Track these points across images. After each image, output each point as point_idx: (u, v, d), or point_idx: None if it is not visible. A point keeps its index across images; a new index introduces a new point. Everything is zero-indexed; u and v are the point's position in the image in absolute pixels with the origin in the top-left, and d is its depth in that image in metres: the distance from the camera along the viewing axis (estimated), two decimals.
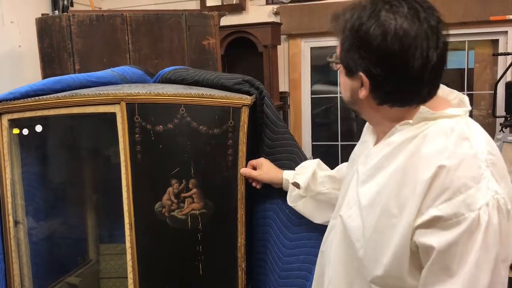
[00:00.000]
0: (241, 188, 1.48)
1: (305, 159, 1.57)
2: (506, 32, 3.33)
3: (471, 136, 0.94)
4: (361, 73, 0.98)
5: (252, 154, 1.58)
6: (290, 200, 1.49)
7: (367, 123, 1.18)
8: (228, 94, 1.51)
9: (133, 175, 1.48)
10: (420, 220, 0.91)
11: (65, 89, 1.63)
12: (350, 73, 1.02)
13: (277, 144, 1.60)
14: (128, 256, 1.51)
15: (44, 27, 2.37)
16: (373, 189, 1.02)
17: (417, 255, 0.95)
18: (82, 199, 2.05)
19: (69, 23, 2.29)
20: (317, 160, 1.50)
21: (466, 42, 3.48)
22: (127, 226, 1.50)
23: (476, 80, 3.59)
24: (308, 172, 1.44)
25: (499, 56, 3.33)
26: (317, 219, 1.47)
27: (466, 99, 1.05)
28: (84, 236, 2.10)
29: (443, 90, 1.07)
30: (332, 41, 3.65)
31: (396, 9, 0.94)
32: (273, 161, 1.58)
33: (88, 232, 2.10)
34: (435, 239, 0.90)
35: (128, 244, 1.51)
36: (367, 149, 1.12)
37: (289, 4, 3.63)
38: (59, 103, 1.50)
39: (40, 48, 2.39)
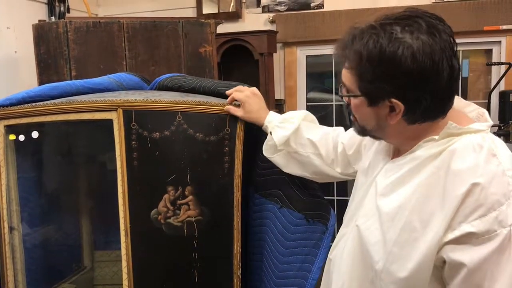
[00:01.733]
0: (237, 195, 1.48)
1: None
2: (500, 42, 3.36)
3: (498, 153, 0.94)
4: (394, 100, 0.95)
5: (249, 161, 1.59)
6: (265, 149, 1.45)
7: None
8: (225, 101, 1.51)
9: (129, 182, 1.48)
10: (451, 236, 0.91)
11: (62, 95, 1.63)
12: (375, 102, 0.99)
13: None
14: (124, 263, 1.51)
15: (41, 33, 2.37)
16: (394, 203, 1.01)
17: (440, 270, 0.95)
18: (77, 206, 2.05)
19: (66, 29, 2.29)
20: (304, 113, 1.45)
21: (460, 51, 3.51)
22: (122, 233, 1.50)
23: (470, 89, 3.62)
24: (290, 128, 1.40)
25: (493, 66, 3.36)
26: (287, 170, 1.47)
27: (486, 113, 1.06)
28: (79, 242, 2.09)
29: (460, 102, 1.06)
30: (327, 49, 3.67)
31: (413, 28, 0.93)
32: (269, 168, 1.58)
33: (83, 238, 2.10)
34: (467, 255, 0.90)
35: (123, 251, 1.50)
36: (383, 161, 1.11)
37: (285, 13, 3.66)
38: (56, 109, 1.51)
39: (37, 54, 2.39)
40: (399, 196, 1.00)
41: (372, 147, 1.21)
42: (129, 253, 1.50)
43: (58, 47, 2.32)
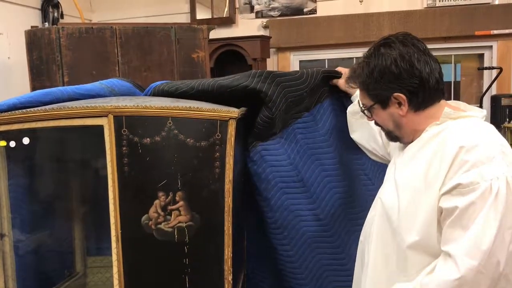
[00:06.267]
0: (228, 201, 1.48)
1: None
2: (491, 46, 3.39)
3: (487, 131, 1.22)
4: (396, 94, 1.27)
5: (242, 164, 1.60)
6: (350, 111, 1.76)
7: None
8: (215, 107, 1.52)
9: (120, 188, 1.48)
10: (444, 189, 1.16)
11: (53, 101, 1.63)
12: (385, 103, 1.31)
13: None
14: (115, 269, 1.50)
15: (34, 39, 2.37)
16: (407, 174, 1.28)
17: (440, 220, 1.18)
18: (69, 212, 2.04)
19: (58, 35, 2.30)
20: None
21: (452, 56, 3.53)
22: (113, 239, 1.49)
23: (462, 93, 3.64)
24: None
25: (485, 70, 3.39)
26: (354, 135, 1.76)
27: (484, 110, 1.35)
28: (71, 248, 2.08)
29: (466, 107, 1.35)
30: (320, 55, 3.70)
31: (390, 44, 1.29)
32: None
33: (75, 244, 2.09)
34: (458, 201, 1.13)
35: (114, 257, 1.50)
36: (403, 148, 1.37)
37: (278, 18, 3.67)
38: (47, 115, 1.50)
39: (29, 60, 2.40)
40: (411, 168, 1.28)
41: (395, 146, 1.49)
42: (120, 259, 1.49)
43: (51, 53, 2.32)
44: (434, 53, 1.35)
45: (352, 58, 3.60)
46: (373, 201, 1.46)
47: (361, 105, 1.40)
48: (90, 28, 2.36)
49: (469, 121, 1.26)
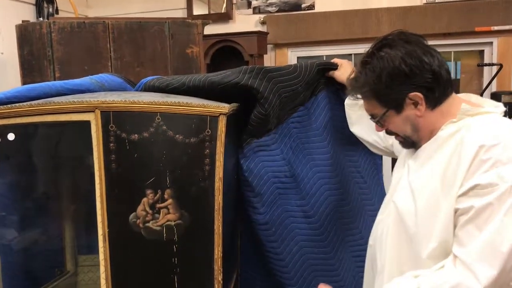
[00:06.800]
0: (218, 199, 1.44)
1: None
2: (491, 43, 3.35)
3: (508, 129, 1.14)
4: (411, 94, 1.19)
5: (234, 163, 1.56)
6: (348, 104, 1.71)
7: None
8: (205, 102, 1.48)
9: (107, 185, 1.44)
10: (461, 191, 1.10)
11: (41, 96, 1.59)
12: (400, 106, 1.22)
13: None
14: (102, 268, 1.47)
15: (25, 34, 2.33)
16: (423, 176, 1.21)
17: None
18: (59, 209, 2.00)
19: (49, 30, 2.26)
20: None
21: (452, 52, 3.49)
22: (100, 238, 1.46)
23: (462, 90, 3.60)
24: None
25: (485, 67, 3.34)
26: (354, 128, 1.70)
27: (501, 103, 1.26)
28: (61, 247, 2.05)
29: (478, 99, 1.28)
30: (318, 51, 3.66)
31: (391, 44, 1.20)
32: None
33: (65, 243, 2.05)
34: (475, 201, 1.07)
35: (101, 256, 1.46)
36: (414, 150, 1.30)
37: (275, 14, 3.63)
38: (32, 111, 1.46)
39: (20, 55, 2.36)
40: (427, 170, 1.21)
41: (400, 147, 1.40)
42: (107, 258, 1.46)
43: (42, 48, 2.29)
44: None
45: (351, 54, 3.56)
46: (364, 200, 1.41)
47: (370, 116, 1.30)
48: (82, 23, 2.32)
49: (487, 117, 1.18)
